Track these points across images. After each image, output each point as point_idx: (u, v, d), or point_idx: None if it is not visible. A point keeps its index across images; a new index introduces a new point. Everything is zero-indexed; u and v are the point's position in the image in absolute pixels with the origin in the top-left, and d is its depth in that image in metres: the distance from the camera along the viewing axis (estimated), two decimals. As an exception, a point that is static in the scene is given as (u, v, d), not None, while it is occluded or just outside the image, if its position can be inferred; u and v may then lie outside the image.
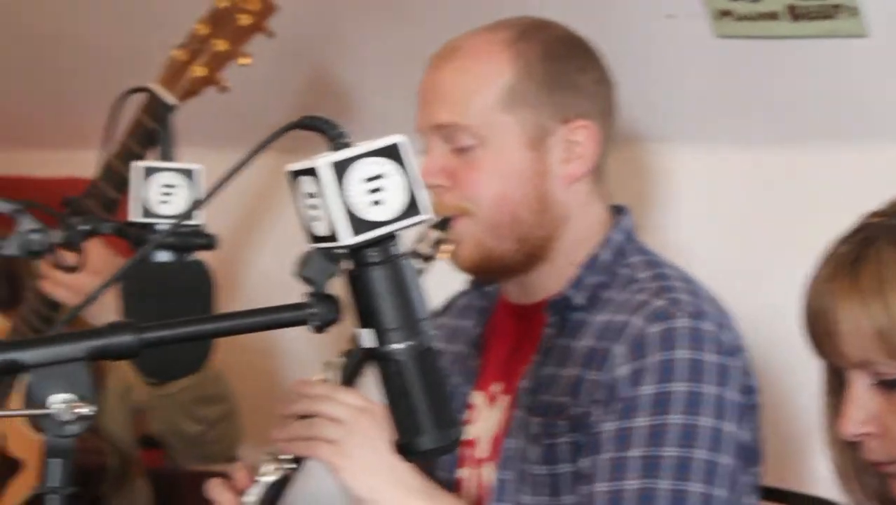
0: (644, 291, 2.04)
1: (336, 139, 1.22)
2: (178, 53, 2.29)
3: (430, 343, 1.22)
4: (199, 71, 2.27)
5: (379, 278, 1.21)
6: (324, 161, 1.20)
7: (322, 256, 1.22)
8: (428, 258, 2.09)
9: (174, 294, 1.66)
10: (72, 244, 1.58)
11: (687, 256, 2.71)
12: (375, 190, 1.20)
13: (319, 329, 1.23)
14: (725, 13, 2.62)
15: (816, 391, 2.69)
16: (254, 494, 2.02)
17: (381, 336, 1.21)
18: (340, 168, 1.20)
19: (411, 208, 1.22)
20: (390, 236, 1.22)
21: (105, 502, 2.70)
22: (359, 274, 1.22)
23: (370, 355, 1.22)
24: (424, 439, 1.21)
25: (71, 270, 1.60)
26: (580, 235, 2.10)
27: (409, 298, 1.22)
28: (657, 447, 1.93)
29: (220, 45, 2.25)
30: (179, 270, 1.67)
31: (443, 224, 2.09)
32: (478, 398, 2.17)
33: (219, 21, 2.26)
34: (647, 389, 1.95)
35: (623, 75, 2.17)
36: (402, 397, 1.21)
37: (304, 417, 1.99)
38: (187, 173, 1.68)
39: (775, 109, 2.74)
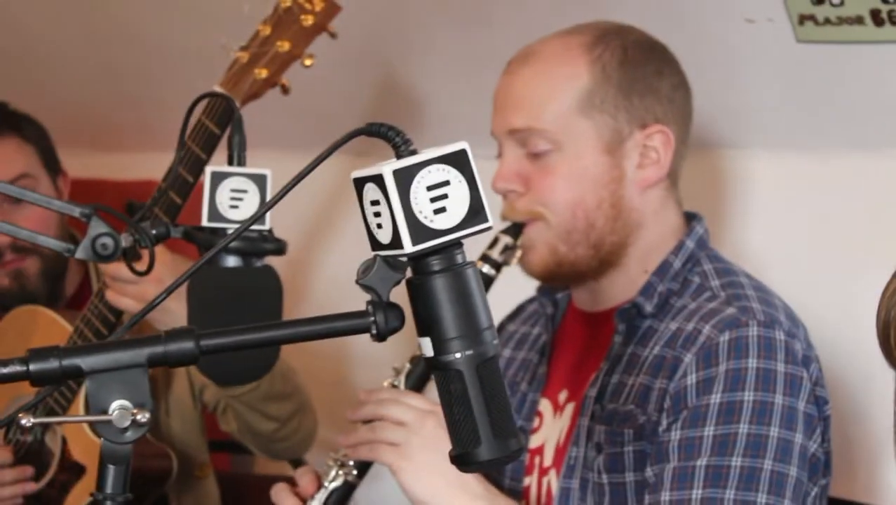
0: (715, 299, 2.02)
1: (400, 146, 1.21)
2: (240, 55, 2.28)
3: (492, 353, 1.21)
4: (261, 73, 2.26)
5: (440, 287, 1.20)
6: (388, 168, 1.19)
7: (384, 263, 1.21)
8: (500, 264, 2.09)
9: (242, 300, 1.65)
10: (139, 249, 1.57)
11: (762, 262, 2.69)
12: (439, 197, 1.19)
13: (380, 338, 1.22)
14: (807, 17, 2.59)
15: (888, 403, 2.67)
16: (318, 499, 2.02)
17: (441, 345, 1.20)
18: (404, 175, 1.19)
19: (475, 216, 1.21)
20: (455, 244, 1.21)
21: (170, 496, 2.72)
22: (420, 282, 1.20)
23: (430, 365, 1.21)
24: (482, 450, 1.20)
25: (140, 274, 1.59)
26: (653, 242, 2.08)
27: (470, 307, 1.21)
28: (724, 457, 1.91)
29: (283, 46, 2.24)
30: (248, 276, 1.66)
31: (515, 229, 2.09)
32: (545, 406, 2.15)
33: (281, 22, 2.24)
34: (716, 398, 1.93)
35: (700, 80, 2.15)
36: (460, 407, 1.20)
37: (369, 421, 1.99)
38: (257, 178, 1.67)
39: (856, 116, 2.70)
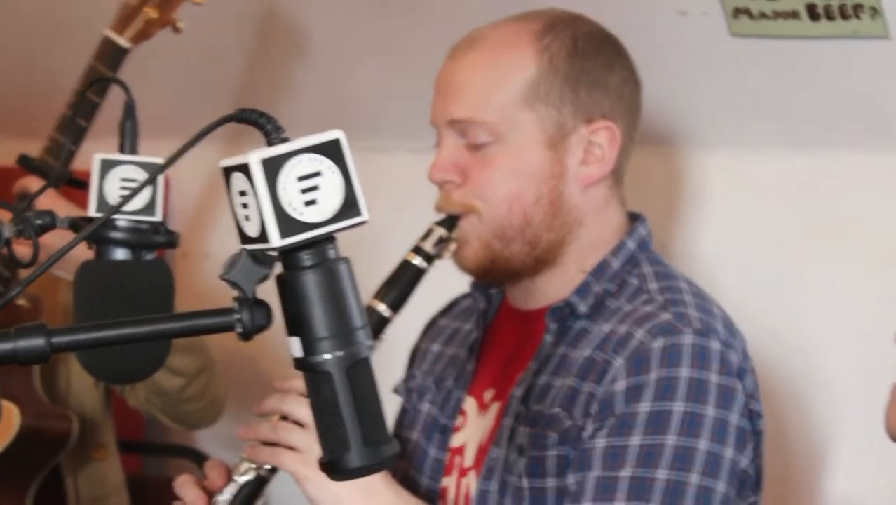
0: (651, 302, 1.96)
1: (271, 133, 1.15)
2: None
3: (364, 354, 1.15)
4: (151, 13, 2.33)
5: (310, 283, 1.14)
6: (255, 157, 1.13)
7: (251, 258, 1.15)
8: (432, 257, 2.03)
9: (131, 293, 1.59)
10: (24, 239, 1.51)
11: (708, 262, 2.66)
12: (310, 189, 1.13)
13: (246, 337, 1.16)
14: (742, 11, 2.55)
15: (833, 407, 2.66)
16: (228, 493, 1.96)
17: (310, 345, 1.14)
18: (272, 165, 1.13)
19: (349, 209, 1.15)
20: (327, 238, 1.15)
21: (65, 472, 2.66)
22: (289, 278, 1.15)
23: (298, 365, 1.15)
24: (352, 457, 1.14)
25: (23, 266, 1.53)
26: (593, 242, 2.03)
27: (342, 306, 1.15)
28: (649, 468, 1.85)
29: None
30: (137, 269, 1.60)
31: (449, 222, 2.03)
32: (469, 404, 2.10)
33: None
34: (645, 407, 1.87)
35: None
36: (329, 411, 1.14)
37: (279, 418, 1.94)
38: (149, 167, 1.61)
39: (790, 113, 2.66)
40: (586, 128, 2.00)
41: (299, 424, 1.91)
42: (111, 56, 2.35)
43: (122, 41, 2.34)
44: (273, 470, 1.97)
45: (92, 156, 1.62)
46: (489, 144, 1.99)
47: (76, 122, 2.36)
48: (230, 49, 3.24)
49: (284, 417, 1.95)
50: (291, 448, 1.89)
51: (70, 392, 2.70)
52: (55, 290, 2.68)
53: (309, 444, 1.88)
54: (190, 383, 2.60)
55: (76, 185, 2.33)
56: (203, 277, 3.33)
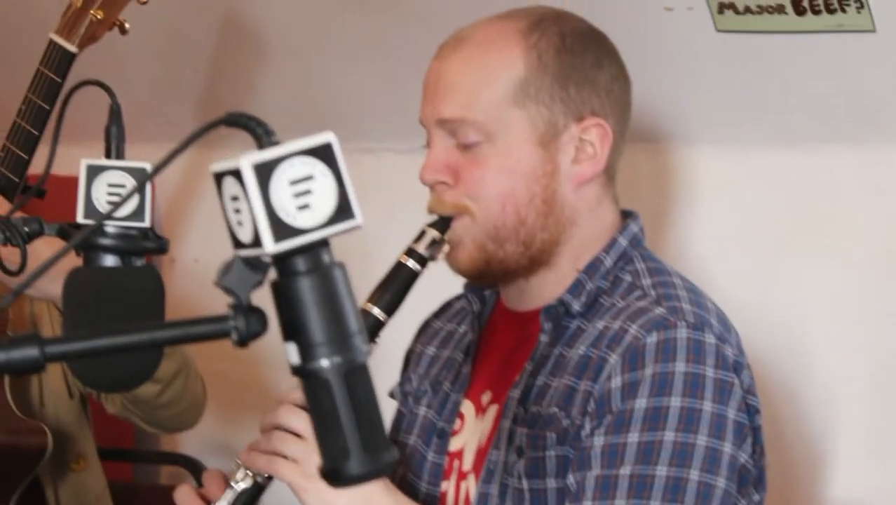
0: (645, 298, 1.95)
1: (262, 137, 1.14)
2: (74, 0, 2.32)
3: (362, 359, 1.14)
4: (97, 14, 2.30)
5: (305, 289, 1.13)
6: (246, 161, 1.11)
7: (244, 264, 1.14)
8: (425, 259, 2.01)
9: (121, 300, 1.58)
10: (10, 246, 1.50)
11: (699, 258, 2.66)
12: (303, 193, 1.12)
13: (241, 343, 1.14)
14: (727, 6, 2.54)
15: (828, 401, 2.66)
16: (225, 500, 1.95)
17: (307, 351, 1.12)
18: (264, 169, 1.11)
19: (342, 213, 1.13)
20: (321, 243, 1.13)
21: (45, 484, 2.64)
22: (284, 284, 1.13)
23: (295, 372, 1.13)
24: (352, 464, 1.12)
25: (11, 273, 1.52)
26: (586, 240, 2.01)
27: (339, 311, 1.13)
28: (649, 466, 1.84)
29: None
30: (127, 275, 1.58)
31: (443, 223, 2.01)
32: (467, 407, 2.09)
33: None
34: (641, 403, 1.86)
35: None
36: (327, 418, 1.12)
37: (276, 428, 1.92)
38: (136, 172, 1.59)
39: (777, 108, 2.66)
40: (577, 126, 1.98)
41: (297, 434, 1.90)
42: (59, 61, 2.31)
43: (70, 45, 2.31)
44: (270, 478, 1.96)
45: (77, 162, 1.60)
46: (480, 144, 1.97)
47: (27, 129, 2.32)
48: (211, 56, 3.23)
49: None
50: (288, 458, 1.88)
51: (44, 404, 2.67)
52: (20, 301, 2.65)
53: (306, 454, 1.86)
54: (166, 389, 2.57)
55: (36, 195, 2.30)
56: (191, 282, 3.32)
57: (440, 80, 2.00)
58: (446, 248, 2.01)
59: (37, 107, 2.30)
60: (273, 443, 1.89)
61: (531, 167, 1.97)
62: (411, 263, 2.01)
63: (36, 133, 2.31)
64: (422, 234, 2.02)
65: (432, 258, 2.02)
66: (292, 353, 1.14)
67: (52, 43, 2.28)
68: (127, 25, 2.34)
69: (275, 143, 1.14)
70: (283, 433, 1.90)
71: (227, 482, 1.97)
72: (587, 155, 1.99)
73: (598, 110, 1.99)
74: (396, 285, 2.01)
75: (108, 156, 1.61)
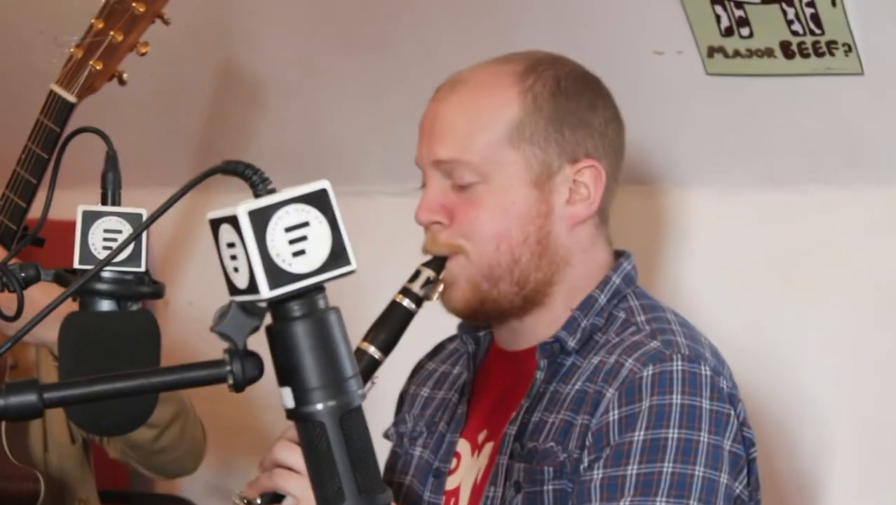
0: (639, 332, 1.97)
1: (258, 185, 1.15)
2: (75, 51, 2.33)
3: (357, 403, 1.15)
4: (96, 65, 2.31)
5: (300, 334, 1.14)
6: (243, 209, 1.13)
7: (240, 309, 1.15)
8: (420, 299, 2.02)
9: (117, 344, 1.58)
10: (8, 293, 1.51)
11: (692, 299, 2.66)
12: (298, 239, 1.13)
13: (237, 388, 1.15)
14: (717, 49, 2.56)
15: (819, 437, 2.66)
16: None
17: (302, 396, 1.14)
18: (260, 216, 1.13)
19: (336, 259, 1.15)
20: (316, 288, 1.15)
21: None
22: (279, 329, 1.14)
23: (290, 416, 1.15)
24: (346, 507, 1.14)
25: (8, 319, 1.53)
26: (581, 281, 2.03)
27: (333, 355, 1.15)
28: (648, 497, 1.86)
29: (117, 37, 2.31)
30: (123, 320, 1.59)
31: (438, 263, 2.03)
32: (463, 446, 2.10)
33: (114, 12, 2.31)
34: (640, 436, 1.87)
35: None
36: (322, 461, 1.14)
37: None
38: (132, 217, 1.60)
39: (767, 150, 2.67)
40: (571, 167, 2.00)
41: (296, 470, 1.91)
42: (58, 111, 2.32)
43: (69, 96, 2.32)
44: None
45: (74, 207, 1.61)
46: (475, 185, 1.99)
47: (26, 178, 2.33)
48: (204, 100, 3.24)
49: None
50: (288, 495, 1.89)
51: (48, 450, 2.67)
52: (23, 348, 2.65)
53: (304, 491, 1.87)
54: (162, 434, 2.57)
55: (33, 242, 2.31)
56: (186, 326, 3.32)
57: (436, 121, 2.02)
58: (441, 287, 2.03)
59: (36, 156, 2.32)
60: (274, 480, 1.90)
61: (526, 208, 1.99)
62: (406, 303, 2.03)
63: (34, 182, 2.33)
64: (417, 274, 2.04)
65: (427, 297, 2.04)
66: (287, 397, 1.15)
67: (52, 93, 2.31)
68: (125, 76, 2.35)
69: (270, 191, 1.15)
70: (283, 470, 1.91)
71: None
72: (581, 196, 2.01)
73: (592, 152, 2.01)
74: (392, 324, 2.02)
75: (104, 202, 1.62)
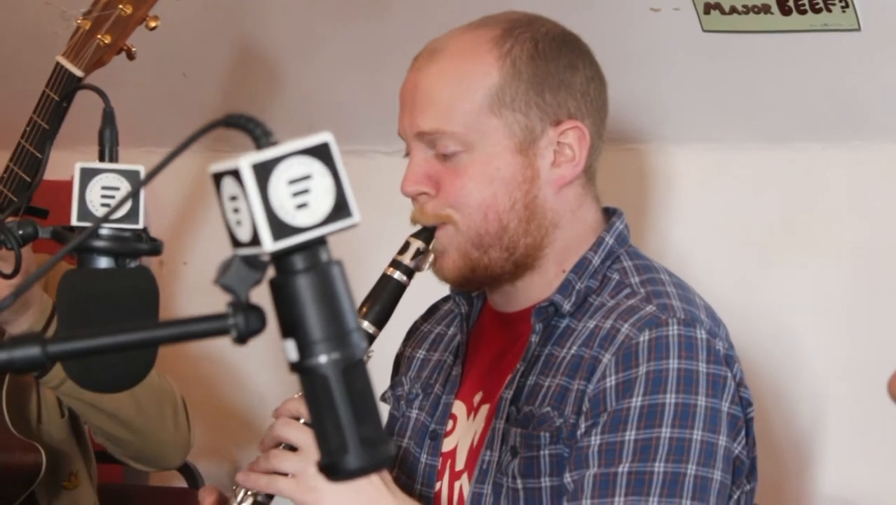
0: (634, 295, 1.96)
1: (260, 138, 1.15)
2: (82, 23, 2.29)
3: (360, 356, 1.15)
4: (105, 39, 2.27)
5: (303, 287, 1.13)
6: (245, 161, 1.12)
7: (243, 262, 1.14)
8: (412, 270, 2.02)
9: (116, 302, 1.58)
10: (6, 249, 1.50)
11: (683, 256, 2.66)
12: (301, 192, 1.13)
13: (240, 340, 1.15)
14: (713, 6, 2.55)
15: (815, 396, 2.67)
16: None
17: (305, 348, 1.13)
18: (262, 169, 1.12)
19: (339, 212, 1.14)
20: (319, 241, 1.14)
21: (40, 501, 2.63)
22: (282, 282, 1.14)
23: (294, 368, 1.14)
24: (350, 458, 1.13)
25: (5, 277, 1.52)
26: (571, 242, 2.02)
27: (337, 308, 1.14)
28: (646, 463, 1.85)
29: (126, 10, 2.27)
30: (121, 277, 1.59)
31: (427, 233, 2.02)
32: (459, 408, 2.10)
33: None
34: (637, 401, 1.87)
35: (605, 72, 2.10)
36: (326, 414, 1.13)
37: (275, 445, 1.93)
38: (129, 175, 1.59)
39: (764, 107, 2.67)
40: (554, 130, 1.99)
41: (292, 448, 1.91)
42: (64, 84, 2.29)
43: (76, 69, 2.29)
44: (270, 496, 1.97)
45: (71, 165, 1.60)
46: (459, 154, 1.98)
47: (31, 152, 2.30)
48: (203, 61, 3.23)
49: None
50: (287, 474, 1.89)
51: (41, 422, 2.66)
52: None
53: (304, 466, 1.87)
54: (141, 429, 2.56)
55: (36, 214, 2.29)
56: (181, 285, 3.32)
57: (417, 92, 2.01)
58: (431, 257, 2.02)
59: (41, 129, 2.29)
60: (270, 461, 1.90)
61: (511, 174, 1.98)
62: (398, 275, 2.03)
63: (39, 156, 2.30)
64: (406, 246, 2.03)
65: (418, 269, 2.03)
66: (291, 349, 1.14)
67: (58, 66, 2.27)
68: (134, 50, 2.31)
69: (273, 144, 1.14)
70: (279, 451, 1.91)
71: (226, 503, 1.98)
72: (566, 158, 2.00)
73: (575, 113, 2.00)
74: (384, 298, 2.02)
75: (101, 159, 1.62)
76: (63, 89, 2.27)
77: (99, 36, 2.27)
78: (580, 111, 2.00)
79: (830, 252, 2.68)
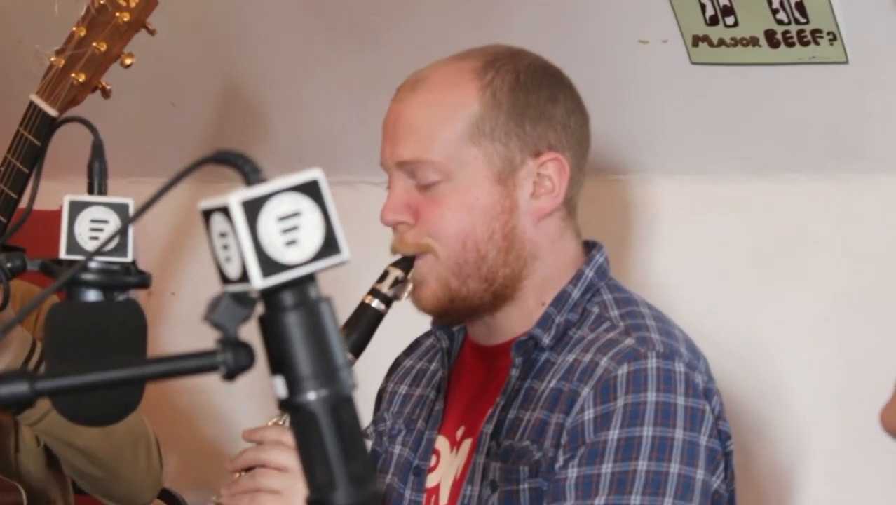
0: (614, 329, 1.97)
1: (250, 174, 1.15)
2: (56, 60, 2.24)
3: (348, 392, 1.15)
4: (79, 77, 2.23)
5: (292, 324, 1.14)
6: (235, 198, 1.12)
7: (232, 299, 1.14)
8: (390, 299, 2.02)
9: (103, 335, 1.58)
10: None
11: (666, 289, 2.66)
12: (290, 229, 1.13)
13: (230, 377, 1.15)
14: (701, 38, 2.56)
15: (798, 429, 2.67)
16: None
17: (294, 385, 1.13)
18: (252, 206, 1.12)
19: (329, 249, 1.14)
20: (308, 278, 1.15)
21: None
22: (271, 319, 1.14)
23: (282, 405, 1.14)
24: (338, 495, 1.13)
25: (-5, 309, 1.52)
26: (550, 274, 2.02)
27: (325, 345, 1.14)
28: (623, 495, 1.86)
29: (100, 47, 2.22)
30: (109, 310, 1.58)
31: (406, 263, 2.02)
32: (442, 443, 2.09)
33: (96, 21, 2.21)
34: (614, 434, 1.88)
35: (593, 104, 2.11)
36: (314, 450, 1.13)
37: (250, 468, 1.92)
38: (119, 207, 1.59)
39: (752, 139, 2.68)
40: (534, 161, 2.00)
41: (278, 469, 1.90)
42: (39, 124, 2.23)
43: (50, 109, 2.24)
44: None
45: (60, 197, 1.60)
46: (438, 183, 1.99)
47: (6, 193, 2.24)
48: (191, 91, 3.23)
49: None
50: (273, 492, 1.88)
51: (19, 451, 2.64)
52: None
53: (290, 485, 1.86)
54: (114, 468, 2.53)
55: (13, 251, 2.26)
56: (169, 315, 3.31)
57: (398, 122, 2.02)
58: (410, 287, 2.03)
59: (16, 170, 2.23)
60: (257, 480, 1.90)
61: (490, 204, 1.99)
62: (375, 304, 2.03)
63: (14, 197, 2.25)
64: (385, 274, 2.03)
65: (396, 298, 2.04)
66: (279, 386, 1.14)
67: (31, 105, 2.22)
68: (109, 88, 2.27)
69: (262, 181, 1.15)
70: (265, 469, 1.90)
71: None
72: (545, 189, 2.01)
73: (555, 144, 2.01)
74: (362, 326, 2.02)
75: (90, 191, 1.61)
76: (38, 130, 2.22)
77: (73, 74, 2.23)
78: (560, 143, 2.01)
79: (816, 284, 2.69)
